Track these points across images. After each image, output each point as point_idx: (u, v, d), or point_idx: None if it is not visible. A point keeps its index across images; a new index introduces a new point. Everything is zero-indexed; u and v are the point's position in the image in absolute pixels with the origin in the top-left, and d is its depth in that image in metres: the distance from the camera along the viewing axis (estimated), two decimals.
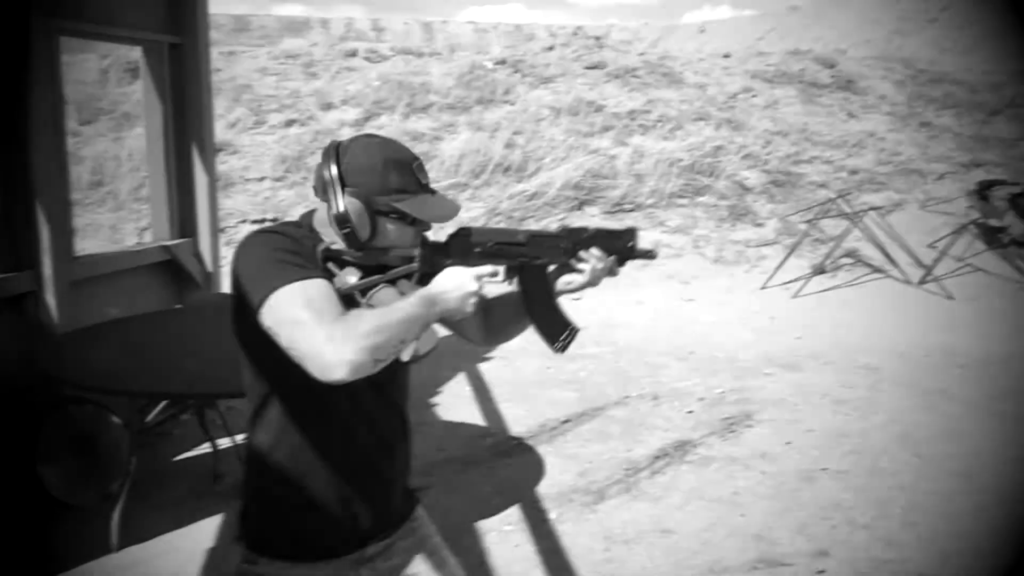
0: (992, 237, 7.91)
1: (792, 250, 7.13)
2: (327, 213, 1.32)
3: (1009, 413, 4.24)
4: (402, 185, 1.34)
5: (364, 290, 1.33)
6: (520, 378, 4.74)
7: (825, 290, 6.89)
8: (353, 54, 8.98)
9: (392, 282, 1.36)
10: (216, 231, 4.47)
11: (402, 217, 1.34)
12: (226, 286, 2.57)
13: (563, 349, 1.45)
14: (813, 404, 4.38)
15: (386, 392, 1.46)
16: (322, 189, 1.34)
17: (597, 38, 10.60)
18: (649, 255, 1.49)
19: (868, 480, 3.48)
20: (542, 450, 3.75)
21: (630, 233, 1.42)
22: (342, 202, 1.31)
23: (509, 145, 7.92)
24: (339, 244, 1.35)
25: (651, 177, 7.93)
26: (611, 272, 1.42)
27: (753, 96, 9.66)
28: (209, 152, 4.35)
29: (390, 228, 1.35)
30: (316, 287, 1.23)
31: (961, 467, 3.56)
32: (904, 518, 3.11)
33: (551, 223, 6.96)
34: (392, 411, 1.50)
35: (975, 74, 11.39)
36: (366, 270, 1.35)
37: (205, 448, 3.39)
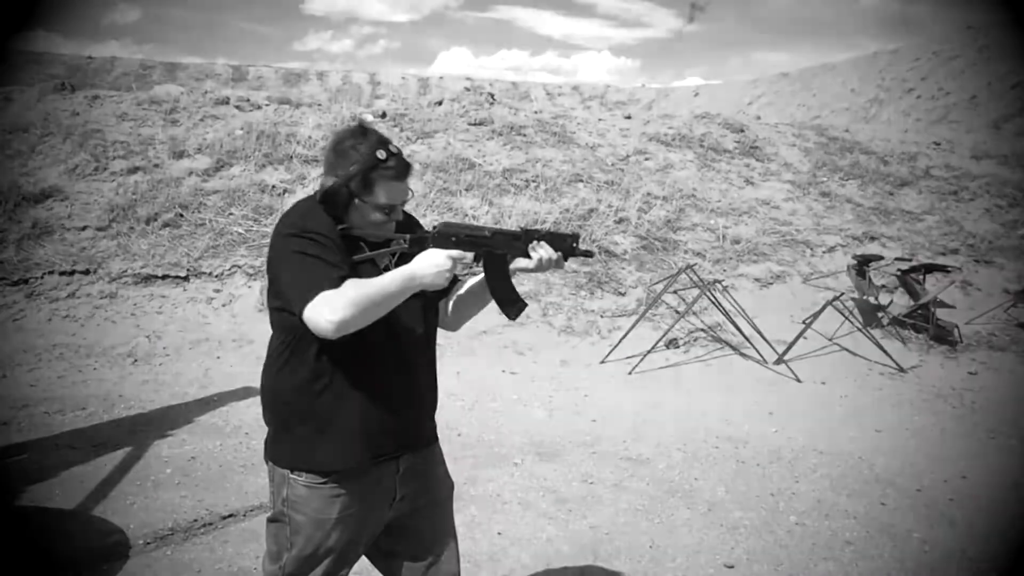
0: (871, 316, 7.44)
1: (636, 322, 6.67)
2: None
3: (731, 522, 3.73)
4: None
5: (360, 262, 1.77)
6: None
7: (665, 367, 6.41)
8: (224, 102, 8.76)
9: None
10: None
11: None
12: None
13: (515, 317, 1.95)
14: (527, 502, 3.86)
15: (415, 339, 1.92)
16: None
17: (491, 95, 10.32)
18: (588, 254, 1.94)
19: None
20: None
21: (574, 236, 1.87)
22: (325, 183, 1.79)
23: None
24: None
25: None
26: (557, 265, 1.85)
27: (646, 159, 9.35)
28: None
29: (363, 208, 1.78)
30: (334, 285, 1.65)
31: None
32: None
33: None
34: (420, 351, 1.95)
35: (892, 143, 11.05)
36: (370, 245, 1.83)
37: None
